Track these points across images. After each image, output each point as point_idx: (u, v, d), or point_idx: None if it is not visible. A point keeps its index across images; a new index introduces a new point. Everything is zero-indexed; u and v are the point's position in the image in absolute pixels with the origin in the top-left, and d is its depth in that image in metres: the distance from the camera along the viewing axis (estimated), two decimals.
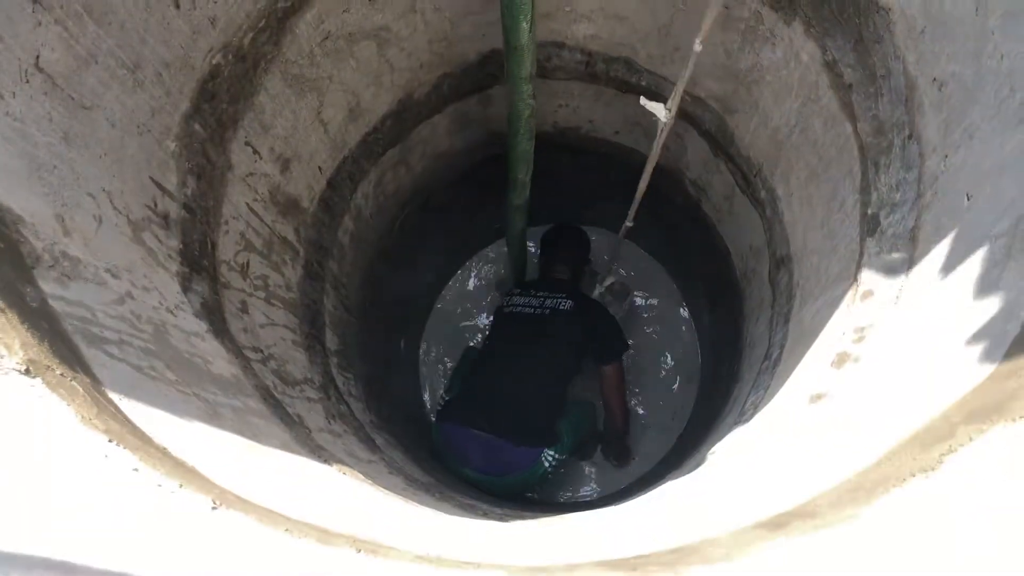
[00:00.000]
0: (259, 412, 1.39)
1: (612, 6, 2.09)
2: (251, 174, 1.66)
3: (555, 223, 3.54)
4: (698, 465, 1.83)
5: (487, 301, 3.75)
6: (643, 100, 1.86)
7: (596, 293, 3.56)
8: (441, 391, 3.54)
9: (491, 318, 3.37)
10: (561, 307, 3.00)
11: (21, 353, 0.81)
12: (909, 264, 1.32)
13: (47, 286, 0.93)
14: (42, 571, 0.69)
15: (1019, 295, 0.92)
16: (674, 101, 1.80)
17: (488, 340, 3.24)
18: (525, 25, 1.73)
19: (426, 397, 3.64)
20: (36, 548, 0.70)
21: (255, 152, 1.66)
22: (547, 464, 2.74)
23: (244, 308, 1.58)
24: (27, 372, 0.80)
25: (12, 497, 0.74)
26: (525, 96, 2.04)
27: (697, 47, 1.63)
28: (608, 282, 3.57)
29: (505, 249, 3.34)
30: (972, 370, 0.92)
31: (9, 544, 0.69)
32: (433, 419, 3.13)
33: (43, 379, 0.82)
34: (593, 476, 3.44)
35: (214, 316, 1.41)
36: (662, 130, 1.93)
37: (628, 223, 2.69)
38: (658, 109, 1.85)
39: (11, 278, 0.87)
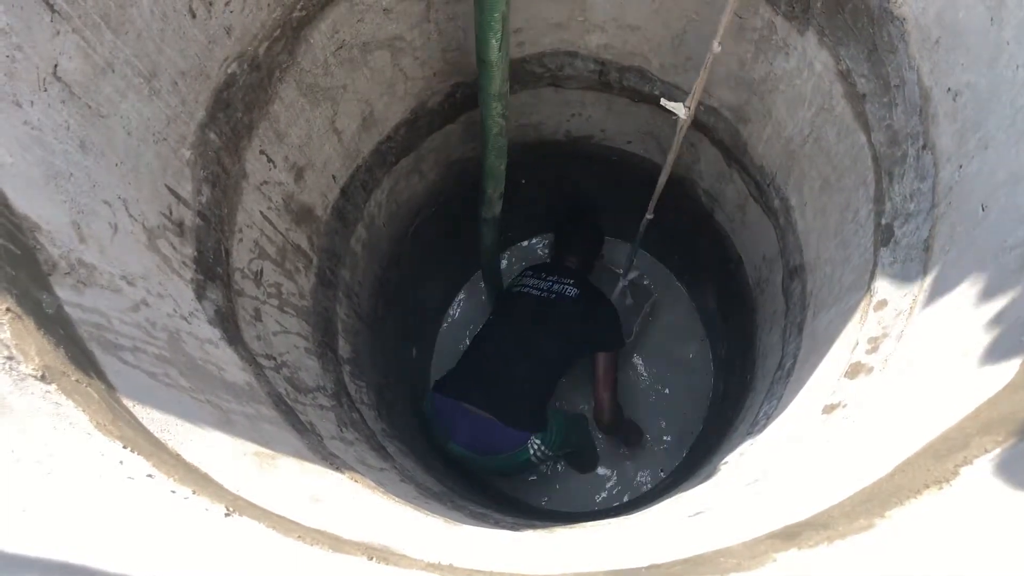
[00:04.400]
0: (272, 419, 1.39)
1: (625, 16, 2.09)
2: (265, 182, 1.67)
3: (572, 204, 3.52)
4: (710, 475, 1.82)
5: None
6: (663, 101, 1.93)
7: (619, 287, 3.55)
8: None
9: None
10: (567, 293, 3.02)
11: (37, 359, 0.81)
12: (923, 274, 1.32)
13: (63, 293, 0.94)
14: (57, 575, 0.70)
15: None
16: (693, 99, 1.85)
17: (491, 316, 3.26)
18: (495, 42, 1.76)
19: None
20: (52, 553, 0.71)
21: (269, 161, 1.67)
22: (532, 451, 2.72)
23: (257, 316, 1.59)
24: (43, 378, 0.81)
25: (28, 502, 0.74)
26: (494, 113, 2.05)
27: (716, 48, 1.64)
28: (632, 276, 3.54)
29: (517, 260, 3.33)
30: (987, 381, 0.91)
31: (25, 548, 0.70)
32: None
33: (58, 385, 0.83)
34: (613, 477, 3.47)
35: (228, 323, 1.42)
36: (681, 127, 2.00)
37: (648, 215, 2.69)
38: (678, 108, 1.91)
39: (27, 285, 0.88)
